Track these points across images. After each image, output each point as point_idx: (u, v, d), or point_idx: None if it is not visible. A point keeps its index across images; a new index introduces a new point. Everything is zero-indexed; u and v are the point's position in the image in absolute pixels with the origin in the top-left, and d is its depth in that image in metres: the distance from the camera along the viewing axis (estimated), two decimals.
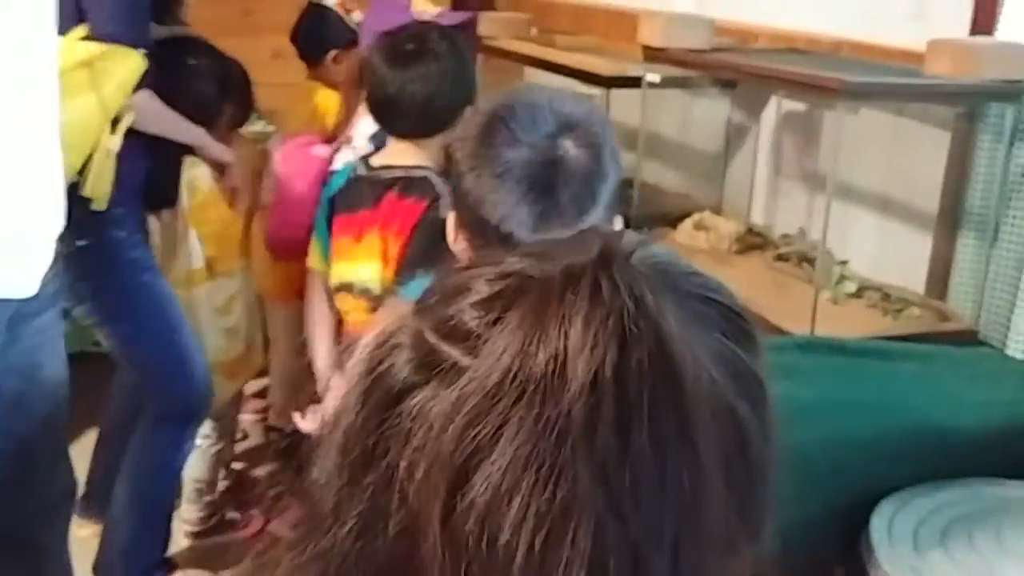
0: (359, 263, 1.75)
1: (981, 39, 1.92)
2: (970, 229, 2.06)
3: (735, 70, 2.15)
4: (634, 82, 2.40)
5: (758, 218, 2.62)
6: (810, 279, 2.09)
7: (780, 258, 2.21)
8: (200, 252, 2.20)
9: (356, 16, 2.56)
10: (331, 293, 1.81)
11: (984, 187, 2.03)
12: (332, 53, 2.52)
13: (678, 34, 2.23)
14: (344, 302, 1.78)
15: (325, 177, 2.08)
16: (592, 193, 1.06)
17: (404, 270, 1.65)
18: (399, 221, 1.69)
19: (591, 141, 1.06)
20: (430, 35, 1.76)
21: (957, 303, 2.07)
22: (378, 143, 1.97)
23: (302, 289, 1.94)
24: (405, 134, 1.76)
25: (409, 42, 1.74)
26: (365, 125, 2.11)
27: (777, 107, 2.56)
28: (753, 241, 2.34)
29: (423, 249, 1.63)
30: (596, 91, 2.50)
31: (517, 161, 1.05)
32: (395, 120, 1.76)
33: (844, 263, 2.18)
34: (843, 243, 2.25)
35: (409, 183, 1.72)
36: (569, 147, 1.06)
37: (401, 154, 1.77)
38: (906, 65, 2.05)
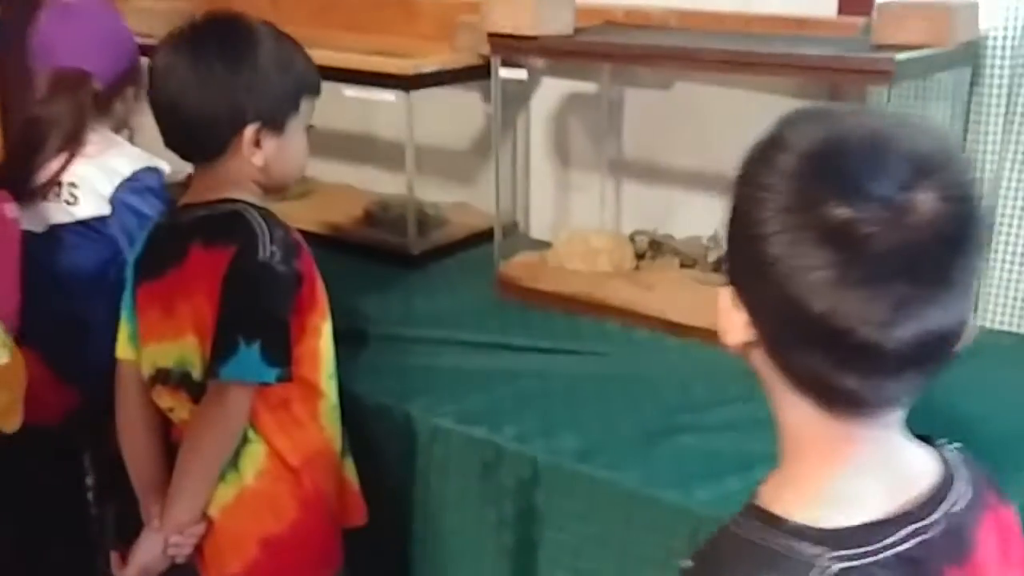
0: (172, 342, 1.35)
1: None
2: None
3: (636, 56, 1.78)
4: (438, 80, 2.06)
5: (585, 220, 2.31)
6: None
7: (715, 269, 1.95)
8: None
9: None
10: (147, 387, 1.40)
11: None
12: None
13: (542, 18, 1.80)
14: (161, 397, 1.38)
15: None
16: (966, 267, 0.74)
17: (219, 343, 1.28)
18: (208, 278, 1.31)
19: (961, 192, 0.74)
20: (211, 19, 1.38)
21: None
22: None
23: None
24: (190, 156, 1.40)
25: (188, 29, 1.36)
26: (114, 160, 1.60)
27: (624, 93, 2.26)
28: (655, 253, 2.04)
29: (239, 311, 1.29)
30: (389, 95, 1.97)
31: (861, 225, 0.71)
32: (174, 138, 1.38)
33: None
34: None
35: (213, 224, 1.33)
36: (931, 202, 0.72)
37: (203, 186, 1.39)
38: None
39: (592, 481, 1.37)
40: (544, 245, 2.20)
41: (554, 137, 2.43)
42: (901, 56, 1.49)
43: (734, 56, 1.64)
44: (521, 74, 1.88)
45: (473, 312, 1.91)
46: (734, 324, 0.82)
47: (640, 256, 2.05)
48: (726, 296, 0.83)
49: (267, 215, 1.34)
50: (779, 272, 0.75)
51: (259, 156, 1.35)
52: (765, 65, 1.61)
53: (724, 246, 0.86)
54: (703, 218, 2.24)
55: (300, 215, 2.28)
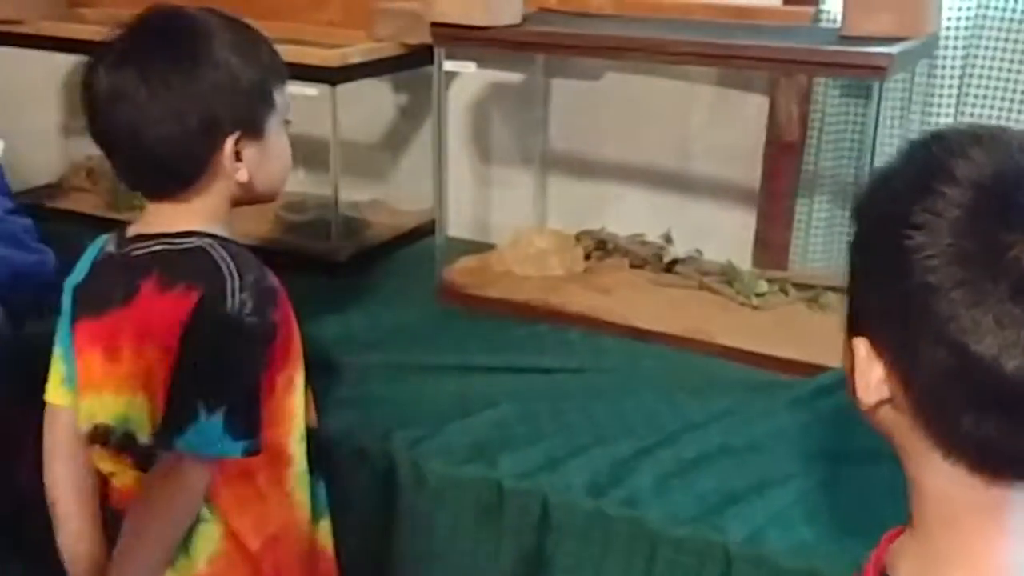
0: (116, 396, 1.15)
1: None
2: (824, 194, 1.98)
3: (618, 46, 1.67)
4: (365, 72, 1.93)
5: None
6: (720, 291, 1.83)
7: (668, 269, 1.86)
8: None
9: None
10: (83, 442, 1.20)
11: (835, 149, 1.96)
12: None
13: (491, 7, 1.68)
14: (102, 459, 1.18)
15: None
16: None
17: (175, 407, 1.10)
18: (162, 326, 1.11)
19: None
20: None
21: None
22: None
23: None
24: (160, 192, 1.18)
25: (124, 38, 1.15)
26: None
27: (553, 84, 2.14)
28: (603, 253, 1.94)
29: (200, 372, 1.10)
30: (311, 89, 1.81)
31: None
32: (137, 175, 1.18)
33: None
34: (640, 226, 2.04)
35: (172, 262, 1.13)
36: None
37: (161, 215, 1.17)
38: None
39: (608, 520, 1.25)
40: (473, 245, 2.06)
41: (472, 130, 2.29)
42: (896, 49, 1.43)
43: (713, 49, 1.54)
44: (469, 67, 1.73)
45: (420, 326, 1.76)
46: (870, 380, 0.72)
47: (586, 257, 1.94)
48: (862, 348, 0.73)
49: (237, 253, 1.15)
50: (955, 330, 0.65)
51: (243, 171, 1.16)
52: (747, 59, 1.53)
53: (856, 287, 0.76)
54: (636, 214, 2.17)
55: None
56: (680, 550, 1.21)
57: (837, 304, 1.78)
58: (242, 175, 1.15)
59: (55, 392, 1.25)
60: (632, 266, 1.91)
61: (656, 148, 2.16)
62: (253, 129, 1.16)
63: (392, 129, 2.38)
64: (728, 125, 2.07)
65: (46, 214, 2.23)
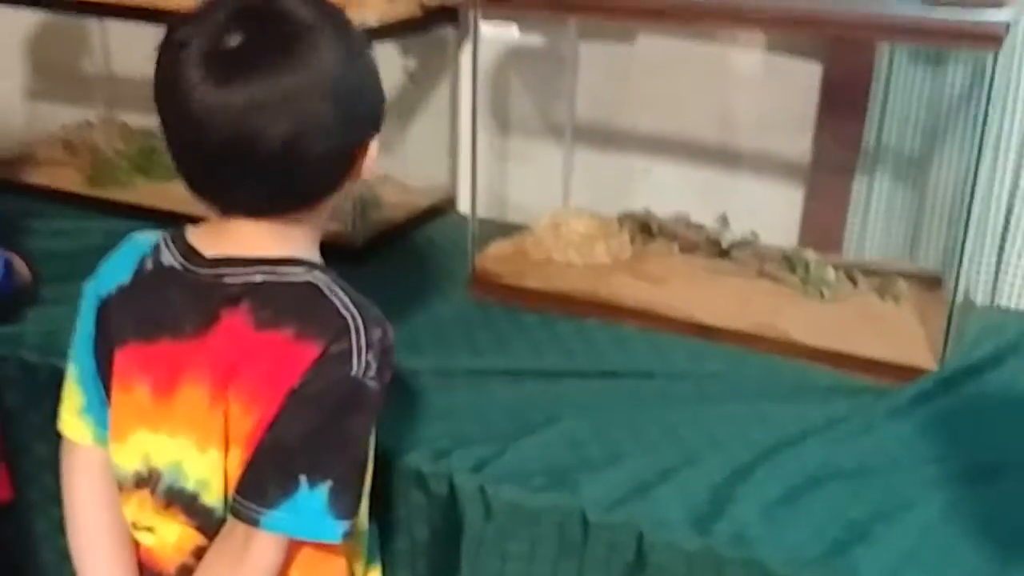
0: (171, 438, 0.96)
1: None
2: (885, 172, 1.82)
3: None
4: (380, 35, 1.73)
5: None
6: (784, 280, 1.66)
7: (723, 255, 1.69)
8: None
9: None
10: (118, 487, 1.01)
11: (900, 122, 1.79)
12: None
13: None
14: (141, 510, 0.99)
15: None
16: None
17: (269, 474, 0.91)
18: (260, 371, 0.92)
19: None
20: None
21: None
22: None
23: None
24: (256, 211, 0.95)
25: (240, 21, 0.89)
26: None
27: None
28: (646, 237, 1.76)
29: (310, 438, 0.91)
30: None
31: None
32: (230, 189, 0.93)
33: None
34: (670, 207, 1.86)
35: (272, 297, 0.93)
36: None
37: (255, 235, 0.96)
38: None
39: (718, 561, 1.08)
40: (493, 226, 1.86)
41: (490, 99, 2.09)
42: (1005, 15, 1.27)
43: (791, 14, 1.36)
44: (510, 30, 1.53)
45: (456, 323, 1.58)
46: None
47: (630, 241, 1.76)
48: None
49: (356, 298, 0.96)
50: None
51: (369, 170, 0.96)
52: (837, 24, 1.34)
53: None
54: (669, 191, 1.99)
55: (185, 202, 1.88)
56: None
57: (911, 295, 1.62)
58: (368, 174, 0.96)
59: (72, 424, 1.05)
60: (681, 251, 1.72)
61: (693, 119, 1.98)
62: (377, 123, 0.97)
63: (399, 97, 2.17)
64: (775, 94, 1.90)
65: (12, 190, 2.00)
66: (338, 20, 0.92)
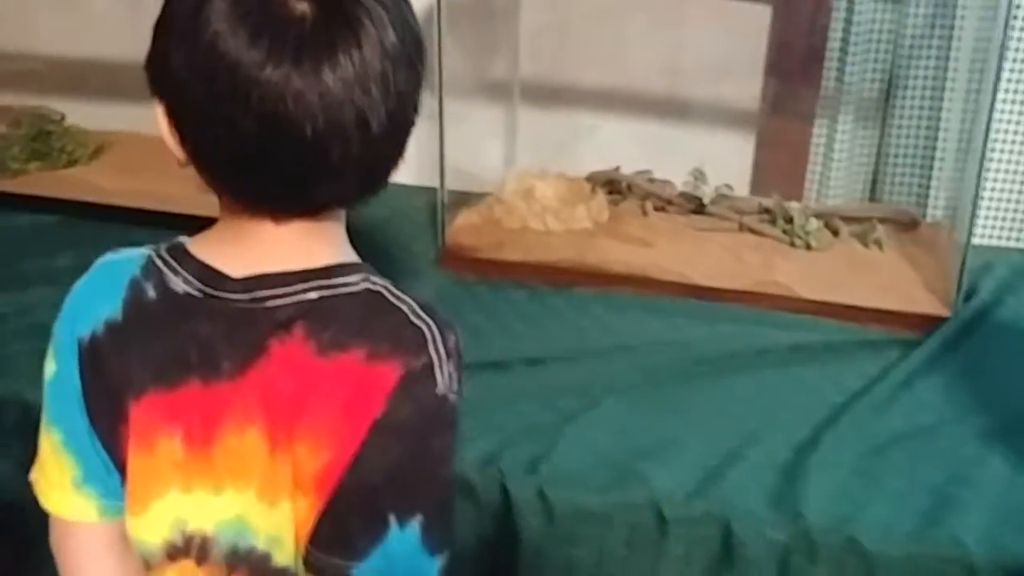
0: (218, 494, 0.81)
1: None
2: (848, 112, 1.78)
3: None
4: None
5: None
6: (767, 233, 1.60)
7: (699, 210, 1.63)
8: None
9: None
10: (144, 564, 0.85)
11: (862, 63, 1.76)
12: None
13: None
14: None
15: None
16: None
17: (354, 520, 0.78)
18: (332, 403, 0.77)
19: None
20: None
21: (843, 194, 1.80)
22: None
23: None
24: (320, 206, 0.78)
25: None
26: None
27: None
28: (618, 196, 1.68)
29: (396, 472, 0.77)
30: None
31: None
32: (306, 185, 0.75)
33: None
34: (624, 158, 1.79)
35: (331, 314, 0.78)
36: None
37: (286, 240, 0.79)
38: None
39: (812, 547, 1.02)
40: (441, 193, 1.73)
41: None
42: None
43: None
44: None
45: (444, 305, 1.44)
46: None
47: None
48: None
49: (414, 293, 0.81)
50: None
51: None
52: None
53: None
54: (618, 147, 1.90)
55: (115, 186, 1.68)
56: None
57: (892, 240, 1.59)
58: None
59: (66, 500, 0.86)
60: (655, 209, 1.64)
61: (639, 70, 1.89)
62: None
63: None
64: (722, 40, 1.83)
65: None
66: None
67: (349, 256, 0.81)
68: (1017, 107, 1.66)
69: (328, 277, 0.78)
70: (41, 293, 1.42)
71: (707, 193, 1.59)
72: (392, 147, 0.77)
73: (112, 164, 1.77)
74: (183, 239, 0.84)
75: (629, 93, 1.90)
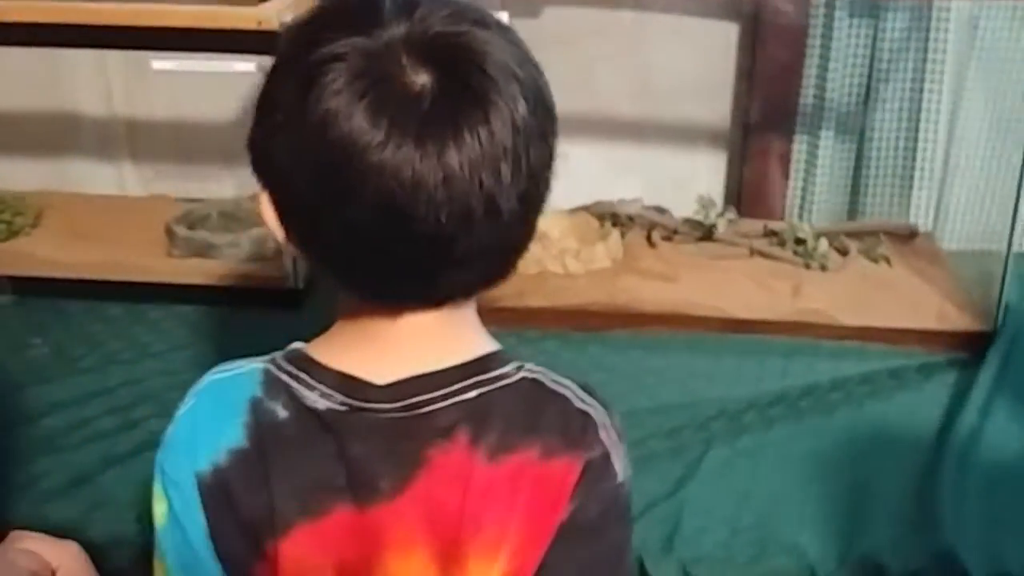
0: None
1: None
2: (830, 128, 1.78)
3: None
4: None
5: None
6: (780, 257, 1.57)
7: (707, 237, 1.59)
8: None
9: None
10: None
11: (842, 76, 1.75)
12: None
13: None
14: None
15: None
16: None
17: None
18: (510, 512, 0.70)
19: None
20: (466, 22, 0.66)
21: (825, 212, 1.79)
22: None
23: None
24: (445, 299, 0.70)
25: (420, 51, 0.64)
26: None
27: None
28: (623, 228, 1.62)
29: (592, 570, 0.71)
30: (247, 64, 1.36)
31: None
32: (434, 277, 0.68)
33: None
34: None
35: (492, 411, 0.69)
36: None
37: (425, 336, 0.70)
38: None
39: None
40: None
41: None
42: None
43: None
44: (503, 16, 1.30)
45: None
46: None
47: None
48: None
49: (567, 375, 0.73)
50: None
51: None
52: None
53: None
54: (590, 174, 1.84)
55: (71, 258, 1.49)
56: None
57: (895, 254, 1.59)
58: None
59: None
60: (664, 239, 1.59)
61: (607, 94, 1.84)
62: None
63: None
64: (689, 59, 1.80)
65: None
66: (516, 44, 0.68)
67: (493, 342, 0.72)
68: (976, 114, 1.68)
69: (484, 371, 0.69)
70: (35, 393, 1.24)
71: (719, 220, 1.54)
72: (524, 230, 0.68)
73: (60, 231, 1.58)
74: (300, 346, 0.74)
75: (598, 118, 1.84)
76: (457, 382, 0.69)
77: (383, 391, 0.69)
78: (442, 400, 0.69)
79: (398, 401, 0.69)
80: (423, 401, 0.69)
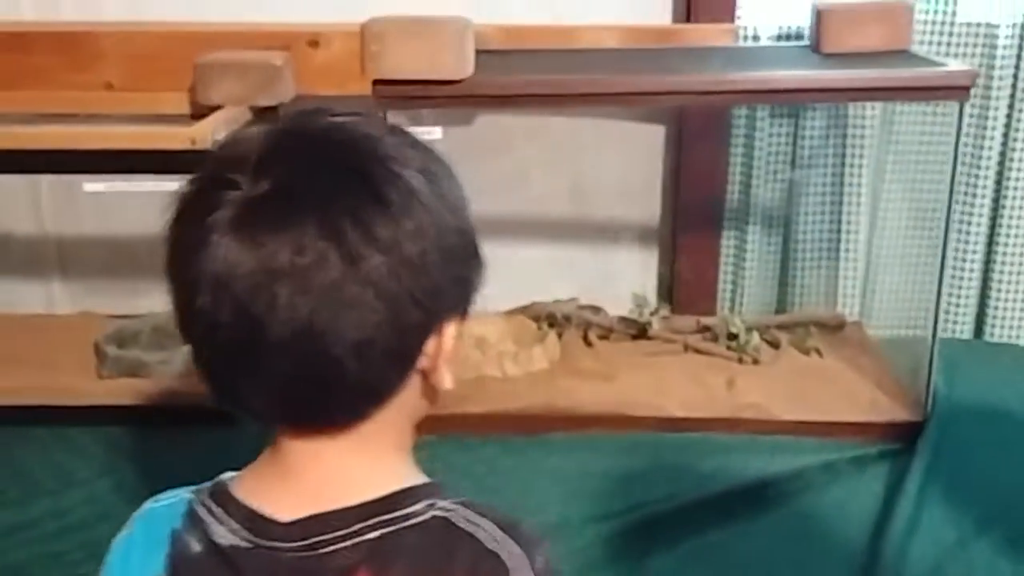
0: None
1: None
2: (756, 222, 1.82)
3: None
4: None
5: None
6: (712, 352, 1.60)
7: (641, 335, 1.61)
8: None
9: None
10: None
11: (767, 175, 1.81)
12: None
13: (454, 57, 1.37)
14: None
15: None
16: None
17: None
18: None
19: None
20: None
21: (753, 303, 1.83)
22: None
23: None
24: (339, 421, 0.68)
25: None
26: None
27: None
28: (559, 328, 1.64)
29: None
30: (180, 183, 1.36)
31: None
32: (312, 396, 0.65)
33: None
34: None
35: (398, 550, 0.67)
36: None
37: (328, 464, 0.69)
38: None
39: None
40: None
41: None
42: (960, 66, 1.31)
43: (741, 85, 1.31)
44: (435, 133, 1.33)
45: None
46: None
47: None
48: None
49: (492, 512, 0.70)
50: None
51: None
52: (819, 92, 1.31)
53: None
54: (530, 276, 1.86)
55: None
56: None
57: (825, 344, 1.62)
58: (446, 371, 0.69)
59: None
60: (600, 337, 1.61)
61: (539, 197, 1.87)
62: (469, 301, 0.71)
63: None
64: (619, 161, 1.84)
65: None
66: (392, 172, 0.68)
67: (412, 477, 0.70)
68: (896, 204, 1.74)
69: (390, 510, 0.67)
70: None
71: (653, 318, 1.57)
72: (388, 349, 0.64)
73: None
74: (226, 477, 0.72)
75: (532, 220, 1.87)
76: (359, 521, 0.67)
77: (286, 529, 0.67)
78: (343, 540, 0.67)
79: (299, 540, 0.67)
80: (323, 541, 0.67)
